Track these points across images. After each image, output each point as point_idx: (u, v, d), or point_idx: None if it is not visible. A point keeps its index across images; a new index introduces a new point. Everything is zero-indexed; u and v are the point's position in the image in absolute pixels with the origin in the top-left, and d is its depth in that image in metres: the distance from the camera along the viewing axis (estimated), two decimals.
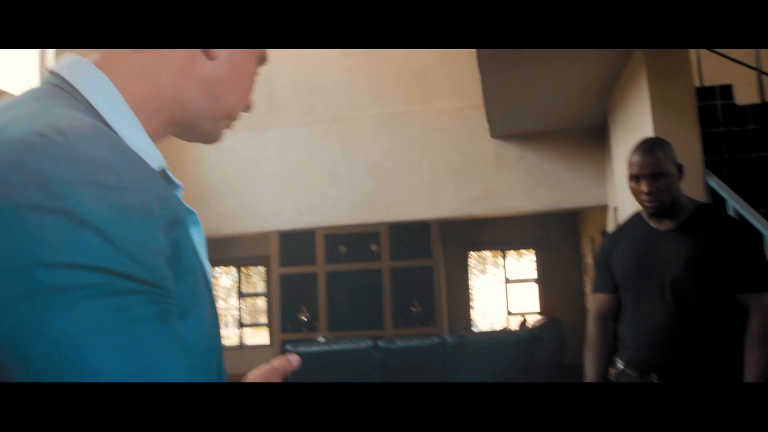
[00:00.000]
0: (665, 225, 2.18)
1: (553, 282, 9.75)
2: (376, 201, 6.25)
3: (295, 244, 9.49)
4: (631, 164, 2.16)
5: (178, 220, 0.64)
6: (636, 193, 2.16)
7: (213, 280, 0.83)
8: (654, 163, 2.10)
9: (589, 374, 2.31)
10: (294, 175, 6.41)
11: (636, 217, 2.29)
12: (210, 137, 0.81)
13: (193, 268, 0.66)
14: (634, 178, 2.15)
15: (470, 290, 10.50)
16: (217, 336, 0.73)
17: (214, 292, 0.83)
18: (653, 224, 2.20)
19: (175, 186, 0.74)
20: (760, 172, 4.04)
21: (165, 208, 0.61)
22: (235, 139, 6.48)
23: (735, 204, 3.29)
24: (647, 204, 2.14)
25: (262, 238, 9.75)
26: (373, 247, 9.41)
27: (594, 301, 2.35)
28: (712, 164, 3.87)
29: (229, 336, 12.48)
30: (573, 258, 9.35)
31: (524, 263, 12.00)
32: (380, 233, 9.36)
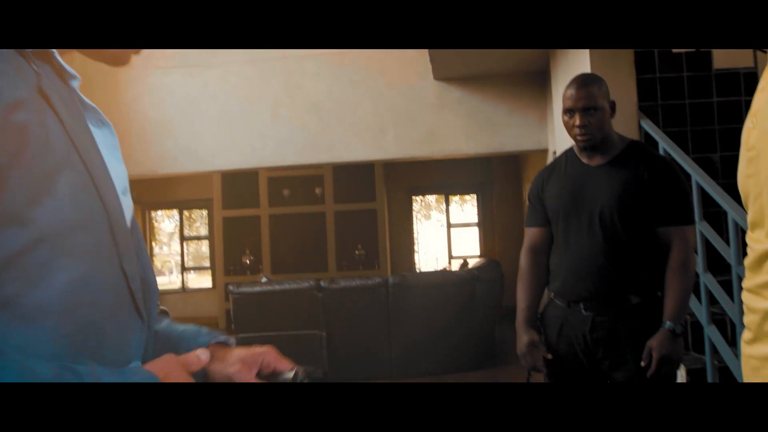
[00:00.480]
0: (596, 160, 2.23)
1: (494, 226, 9.94)
2: (319, 142, 6.20)
3: (238, 187, 9.37)
4: (565, 98, 2.19)
5: (25, 102, 0.63)
6: (569, 127, 2.20)
7: (133, 213, 0.81)
8: (587, 97, 2.14)
9: (521, 305, 2.37)
10: (235, 114, 6.28)
11: (568, 153, 2.34)
12: (117, 59, 0.81)
13: (50, 154, 0.65)
14: (568, 111, 2.19)
15: (414, 234, 10.62)
16: (96, 228, 0.70)
17: (130, 203, 0.81)
18: (584, 159, 2.26)
19: (70, 76, 0.74)
20: (693, 118, 4.16)
21: (7, 85, 0.61)
22: (174, 77, 6.28)
23: (667, 147, 3.39)
24: (579, 138, 2.18)
25: (204, 180, 9.59)
26: (317, 190, 9.38)
27: (526, 235, 2.41)
28: (647, 109, 3.96)
29: (172, 281, 12.37)
30: (514, 202, 9.52)
31: (467, 208, 12.18)
32: (324, 176, 9.32)
